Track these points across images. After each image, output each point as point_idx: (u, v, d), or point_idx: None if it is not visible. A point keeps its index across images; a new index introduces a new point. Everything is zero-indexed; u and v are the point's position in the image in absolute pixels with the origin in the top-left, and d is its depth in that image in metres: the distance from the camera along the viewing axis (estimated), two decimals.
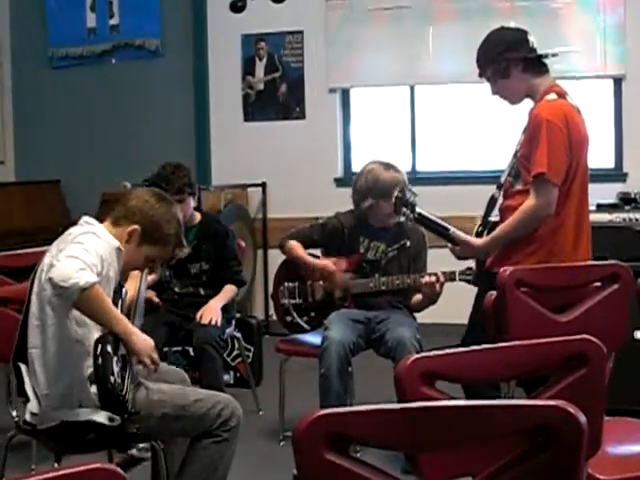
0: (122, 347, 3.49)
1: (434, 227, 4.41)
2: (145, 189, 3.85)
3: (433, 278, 4.93)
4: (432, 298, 5.05)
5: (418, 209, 4.33)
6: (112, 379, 3.34)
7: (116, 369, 3.38)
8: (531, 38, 4.28)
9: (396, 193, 4.42)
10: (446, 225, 4.38)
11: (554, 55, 4.33)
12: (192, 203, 5.66)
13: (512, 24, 4.51)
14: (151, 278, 4.19)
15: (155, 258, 3.82)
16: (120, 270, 3.68)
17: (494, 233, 4.25)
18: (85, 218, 3.71)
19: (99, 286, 3.32)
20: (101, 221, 3.71)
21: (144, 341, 3.54)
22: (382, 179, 5.09)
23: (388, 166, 5.17)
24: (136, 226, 3.68)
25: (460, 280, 4.92)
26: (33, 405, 3.56)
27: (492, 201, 4.44)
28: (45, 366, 3.53)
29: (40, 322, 3.53)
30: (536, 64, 4.25)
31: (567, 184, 4.10)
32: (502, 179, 4.40)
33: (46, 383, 3.53)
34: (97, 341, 3.37)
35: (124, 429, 3.46)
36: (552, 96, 4.19)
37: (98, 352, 3.33)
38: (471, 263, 4.81)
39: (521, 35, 4.29)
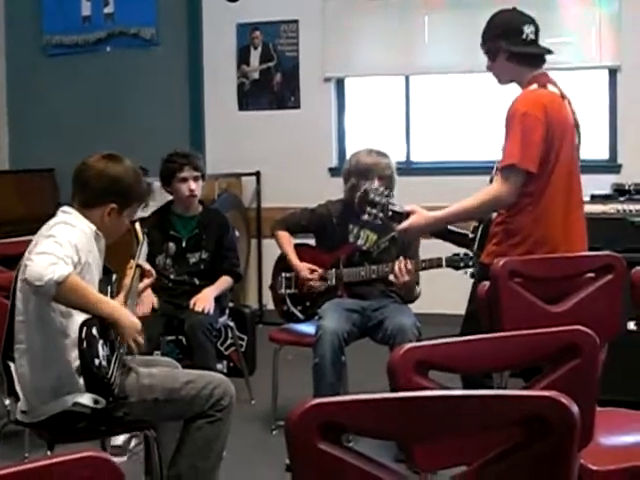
0: (111, 331, 3.50)
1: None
2: (93, 159, 3.78)
3: (397, 267, 4.95)
4: (407, 287, 5.07)
5: (391, 206, 4.35)
6: (97, 362, 3.34)
7: (102, 352, 3.38)
8: (527, 29, 4.26)
9: (359, 193, 4.45)
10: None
11: (549, 52, 4.32)
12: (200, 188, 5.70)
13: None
14: (145, 283, 4.19)
15: (131, 215, 3.84)
16: (103, 250, 3.69)
17: (451, 208, 4.21)
18: (63, 208, 3.70)
19: (75, 276, 3.30)
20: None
21: (130, 323, 3.51)
22: (363, 161, 5.21)
23: (372, 151, 5.28)
24: (112, 205, 3.67)
25: (447, 266, 4.91)
26: (23, 404, 3.56)
27: None
28: (31, 360, 3.52)
29: (24, 317, 3.52)
30: (525, 57, 4.24)
31: (547, 174, 4.08)
32: (494, 171, 4.40)
33: (33, 377, 3.52)
34: (82, 324, 3.36)
35: (111, 412, 3.46)
36: (533, 87, 4.20)
37: (83, 335, 3.33)
38: (457, 249, 4.81)
39: (517, 24, 4.27)
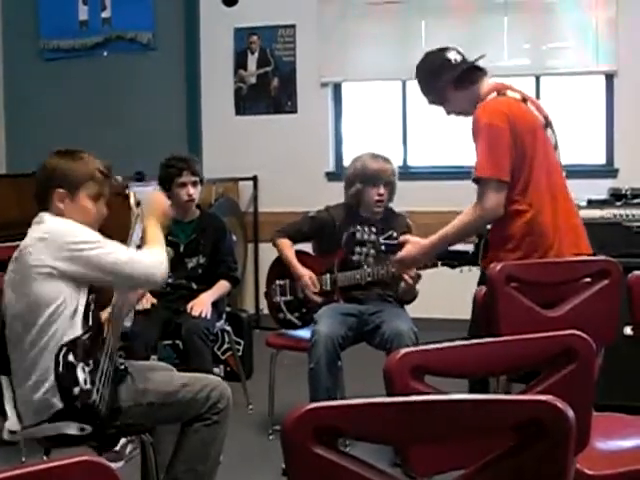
0: (96, 352, 3.47)
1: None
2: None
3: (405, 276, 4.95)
4: (411, 287, 5.06)
5: (383, 240, 4.39)
6: (76, 390, 3.31)
7: (82, 376, 3.34)
8: (451, 55, 4.31)
9: (345, 235, 4.48)
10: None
11: (480, 57, 4.34)
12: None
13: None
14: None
15: (96, 195, 3.69)
16: None
17: (442, 232, 4.23)
18: (38, 219, 3.62)
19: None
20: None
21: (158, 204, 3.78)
22: (370, 166, 5.22)
23: (377, 156, 5.29)
24: (58, 189, 3.59)
25: (443, 265, 4.90)
26: (11, 423, 3.52)
27: None
28: (21, 374, 3.47)
29: (9, 332, 3.50)
30: (465, 76, 4.27)
31: (525, 178, 4.09)
32: None
33: (23, 391, 3.48)
34: (59, 350, 3.33)
35: (104, 429, 3.43)
36: (492, 95, 4.22)
37: (60, 363, 3.31)
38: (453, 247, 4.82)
39: (440, 58, 4.33)
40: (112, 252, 3.45)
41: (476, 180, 4.07)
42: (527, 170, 4.09)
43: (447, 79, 4.27)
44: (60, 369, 3.31)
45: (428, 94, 4.39)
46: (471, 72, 4.29)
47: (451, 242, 4.31)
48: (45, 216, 3.57)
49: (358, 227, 5.24)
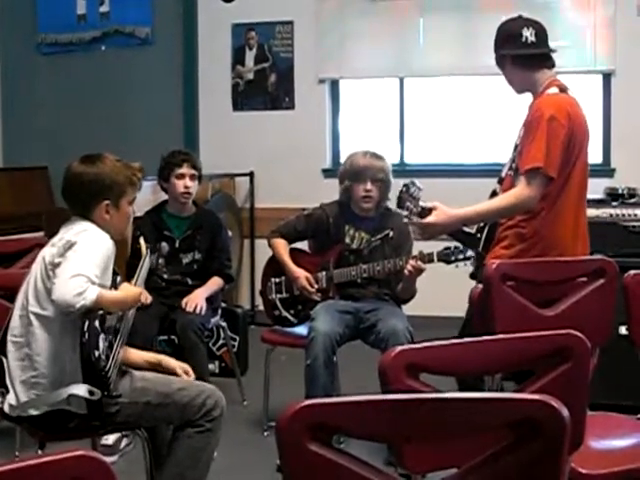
0: (108, 326, 3.51)
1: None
2: (71, 170, 3.78)
3: (412, 261, 4.90)
4: (411, 280, 5.04)
5: (421, 202, 4.32)
6: (96, 353, 3.34)
7: (102, 346, 3.39)
8: (526, 33, 4.25)
9: (401, 188, 4.44)
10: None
11: (552, 50, 4.32)
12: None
13: (503, 18, 4.47)
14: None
15: (133, 199, 3.84)
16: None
17: (477, 208, 4.17)
18: (73, 218, 3.70)
19: (102, 291, 3.37)
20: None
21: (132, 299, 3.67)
22: (357, 163, 5.23)
23: (367, 153, 5.28)
24: (106, 202, 3.69)
25: (439, 261, 4.88)
26: (12, 397, 3.53)
27: (494, 196, 4.42)
28: (39, 354, 3.50)
29: (41, 312, 3.51)
30: (527, 59, 4.24)
31: (564, 177, 4.08)
32: (503, 173, 4.39)
33: (37, 370, 3.50)
34: (84, 316, 3.36)
35: (104, 407, 3.44)
36: (553, 90, 4.20)
37: (85, 328, 3.34)
38: (448, 243, 4.79)
39: (517, 29, 4.28)
40: (78, 271, 3.36)
41: (530, 169, 4.02)
42: (567, 173, 4.09)
43: (507, 52, 4.26)
44: (85, 332, 3.34)
45: (495, 52, 4.37)
46: (534, 58, 4.26)
47: (482, 220, 4.31)
48: (88, 225, 3.64)
49: (351, 225, 5.25)
